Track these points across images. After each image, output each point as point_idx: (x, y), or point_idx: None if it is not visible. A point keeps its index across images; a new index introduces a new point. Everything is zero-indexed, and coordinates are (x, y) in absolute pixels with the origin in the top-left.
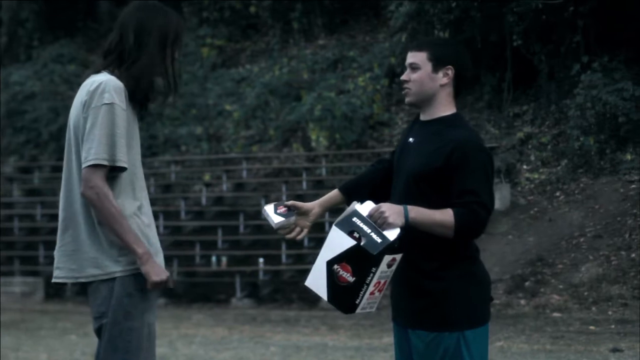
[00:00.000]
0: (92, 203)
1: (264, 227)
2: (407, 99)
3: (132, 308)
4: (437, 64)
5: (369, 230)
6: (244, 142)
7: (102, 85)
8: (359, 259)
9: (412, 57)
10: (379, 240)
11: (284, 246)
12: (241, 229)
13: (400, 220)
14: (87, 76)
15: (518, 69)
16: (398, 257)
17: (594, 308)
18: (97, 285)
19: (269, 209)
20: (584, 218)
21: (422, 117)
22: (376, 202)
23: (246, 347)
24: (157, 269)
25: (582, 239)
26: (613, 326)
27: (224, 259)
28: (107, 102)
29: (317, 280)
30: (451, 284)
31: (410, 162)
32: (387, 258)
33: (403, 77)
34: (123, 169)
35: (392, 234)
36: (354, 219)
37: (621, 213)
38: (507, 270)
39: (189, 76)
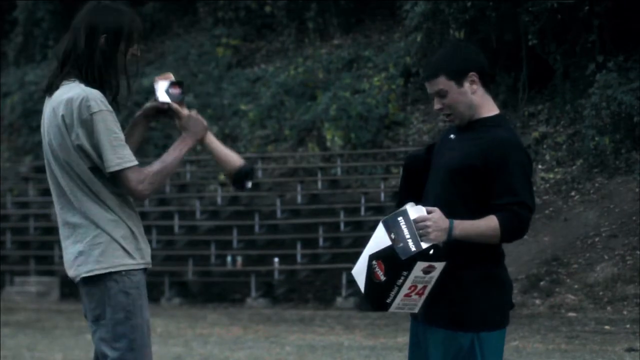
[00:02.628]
0: (155, 192)
1: (280, 226)
2: (455, 123)
3: (131, 306)
4: (459, 78)
5: (407, 235)
6: (259, 141)
7: (83, 97)
8: (392, 260)
9: (432, 86)
10: (413, 248)
11: (299, 246)
12: (256, 229)
13: (443, 238)
14: (52, 84)
15: (533, 69)
16: (438, 265)
17: (609, 308)
18: (90, 288)
19: (161, 84)
20: (599, 218)
21: (473, 118)
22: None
23: (261, 347)
24: (197, 128)
25: (597, 239)
26: (628, 326)
27: (239, 259)
28: (94, 110)
29: (359, 271)
30: (470, 284)
31: (448, 158)
32: (421, 264)
33: (436, 107)
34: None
35: (426, 244)
36: (399, 218)
37: (636, 212)
38: (522, 270)
39: (204, 76)
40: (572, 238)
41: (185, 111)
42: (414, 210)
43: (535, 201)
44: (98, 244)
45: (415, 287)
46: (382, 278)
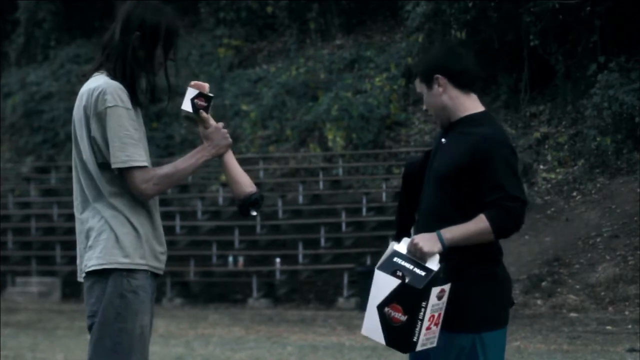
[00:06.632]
0: (160, 194)
1: (281, 227)
2: (437, 123)
3: (123, 309)
4: (427, 81)
5: (411, 267)
6: (261, 142)
7: (102, 89)
8: (408, 297)
9: (417, 88)
10: (423, 274)
11: (300, 246)
12: (258, 229)
13: (437, 247)
14: (88, 74)
15: (535, 69)
16: (447, 287)
17: (610, 308)
18: (92, 284)
19: (190, 92)
20: (600, 218)
21: (451, 119)
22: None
23: (263, 347)
24: (220, 141)
25: (598, 239)
26: (630, 326)
27: (240, 259)
28: (109, 105)
29: (372, 327)
30: (470, 284)
31: (438, 163)
32: (435, 290)
33: (423, 108)
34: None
35: (434, 264)
36: (395, 259)
37: (638, 213)
38: (524, 271)
39: (205, 76)
40: (573, 238)
41: (212, 122)
42: (401, 245)
43: (524, 192)
44: (102, 240)
45: (433, 316)
46: (403, 318)
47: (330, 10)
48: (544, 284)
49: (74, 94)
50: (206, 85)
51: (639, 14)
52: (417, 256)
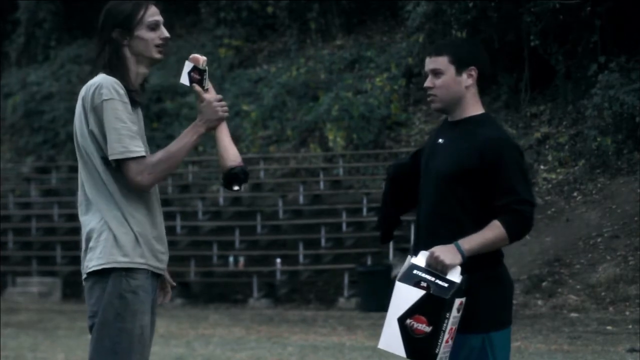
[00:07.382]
0: (157, 184)
1: (282, 227)
2: (433, 106)
3: (122, 309)
4: (460, 66)
5: (433, 278)
6: (262, 142)
7: (99, 84)
8: (432, 307)
9: (433, 63)
10: (446, 285)
11: (301, 246)
12: (258, 229)
13: (458, 258)
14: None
15: (535, 69)
16: (464, 300)
17: (611, 308)
18: (92, 284)
19: (188, 65)
20: (601, 218)
21: (450, 118)
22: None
23: (263, 347)
24: (210, 115)
25: (599, 239)
26: (630, 326)
27: (241, 259)
28: (105, 98)
29: (391, 340)
30: (477, 286)
31: (440, 163)
32: (457, 301)
33: (427, 84)
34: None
35: (455, 276)
36: (415, 271)
37: (638, 213)
38: (525, 271)
39: None
40: (574, 238)
41: (208, 95)
42: (419, 259)
43: (534, 196)
44: (102, 240)
45: (452, 329)
46: (427, 329)
47: (331, 10)
48: (544, 284)
49: (75, 94)
50: (201, 59)
51: (639, 14)
52: (439, 269)
